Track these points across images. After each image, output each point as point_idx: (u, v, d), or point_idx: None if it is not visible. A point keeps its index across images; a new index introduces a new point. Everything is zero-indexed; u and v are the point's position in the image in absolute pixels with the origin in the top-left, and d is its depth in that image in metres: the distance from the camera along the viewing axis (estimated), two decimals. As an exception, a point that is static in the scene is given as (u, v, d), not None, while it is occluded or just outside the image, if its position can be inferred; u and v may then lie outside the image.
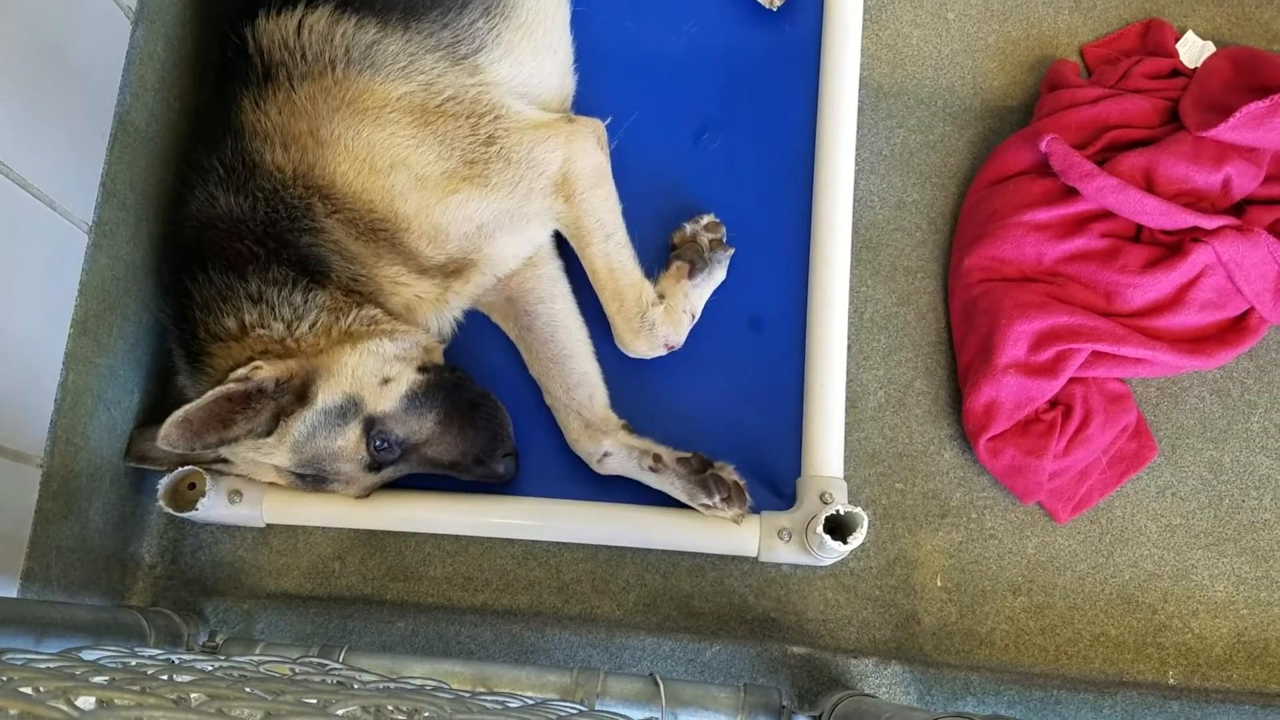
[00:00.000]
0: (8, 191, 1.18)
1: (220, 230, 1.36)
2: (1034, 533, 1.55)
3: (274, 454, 1.37)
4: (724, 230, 1.60)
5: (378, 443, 1.37)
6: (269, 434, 1.33)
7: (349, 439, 1.36)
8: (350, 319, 1.37)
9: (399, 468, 1.42)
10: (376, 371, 1.36)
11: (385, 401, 1.36)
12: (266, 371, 1.30)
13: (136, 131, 1.42)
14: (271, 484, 1.48)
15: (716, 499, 1.44)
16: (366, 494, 1.44)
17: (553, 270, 1.57)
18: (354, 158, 1.36)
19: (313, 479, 1.39)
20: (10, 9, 1.14)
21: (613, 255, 1.50)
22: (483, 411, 1.44)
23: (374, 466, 1.39)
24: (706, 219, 1.59)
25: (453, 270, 1.45)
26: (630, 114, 1.64)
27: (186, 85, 1.55)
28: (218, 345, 1.36)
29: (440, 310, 1.48)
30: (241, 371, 1.29)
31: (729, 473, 1.46)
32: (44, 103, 1.23)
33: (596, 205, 1.50)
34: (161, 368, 1.54)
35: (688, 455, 1.47)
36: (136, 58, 1.40)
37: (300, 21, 1.38)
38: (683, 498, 1.46)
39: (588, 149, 1.49)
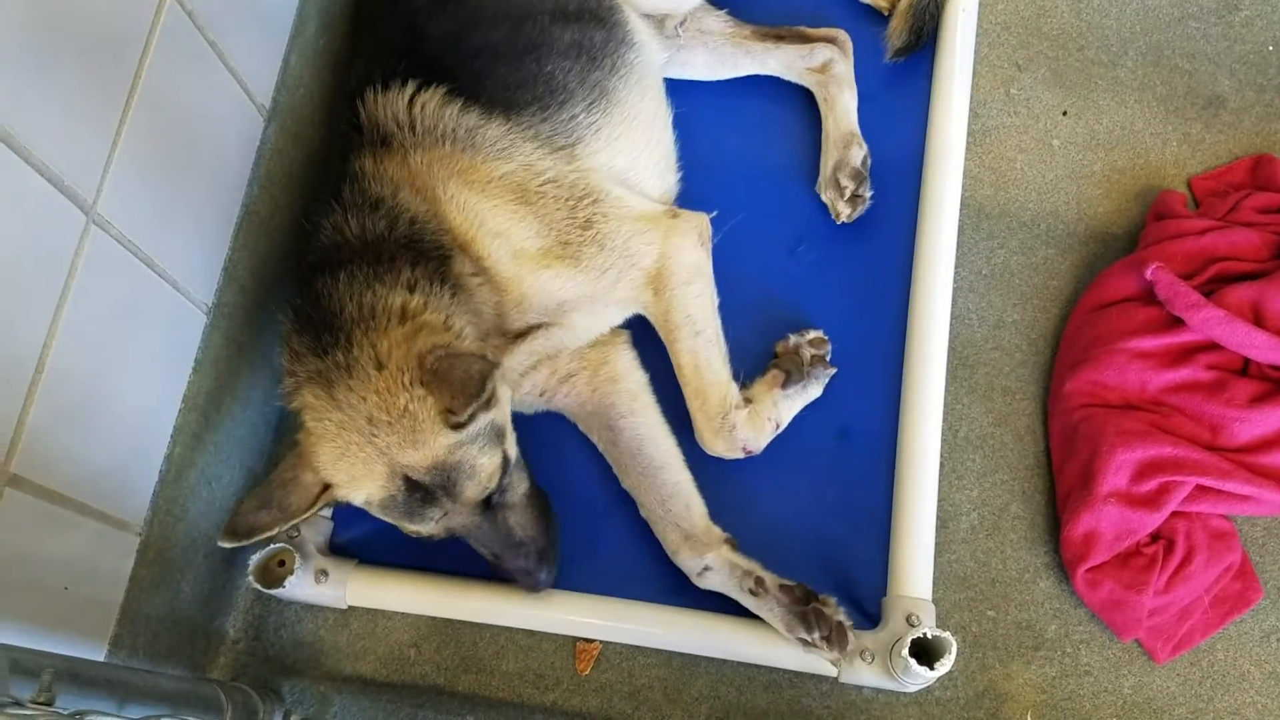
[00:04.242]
0: (136, 271, 1.24)
1: (354, 244, 1.36)
2: (1131, 671, 1.49)
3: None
4: (829, 348, 1.60)
5: (504, 479, 1.33)
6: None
7: (493, 461, 1.30)
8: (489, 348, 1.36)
9: (479, 527, 1.35)
10: (506, 414, 1.35)
11: (510, 447, 1.35)
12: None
13: (260, 221, 1.49)
14: (358, 567, 1.50)
15: (816, 636, 1.39)
16: (443, 536, 1.36)
17: (633, 384, 1.57)
18: (466, 218, 1.40)
19: (424, 495, 1.29)
20: (157, 100, 1.21)
21: (700, 352, 1.50)
22: (548, 506, 1.43)
23: (482, 506, 1.33)
24: (813, 334, 1.59)
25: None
26: (731, 218, 1.65)
27: (310, 180, 1.62)
28: (376, 323, 1.29)
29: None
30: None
31: (832, 609, 1.41)
32: (177, 188, 1.30)
33: (688, 301, 1.50)
34: (263, 447, 1.59)
35: (791, 584, 1.43)
36: (267, 152, 1.48)
37: (412, 98, 1.43)
38: (780, 627, 1.43)
39: (686, 245, 1.51)
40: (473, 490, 1.30)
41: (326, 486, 1.30)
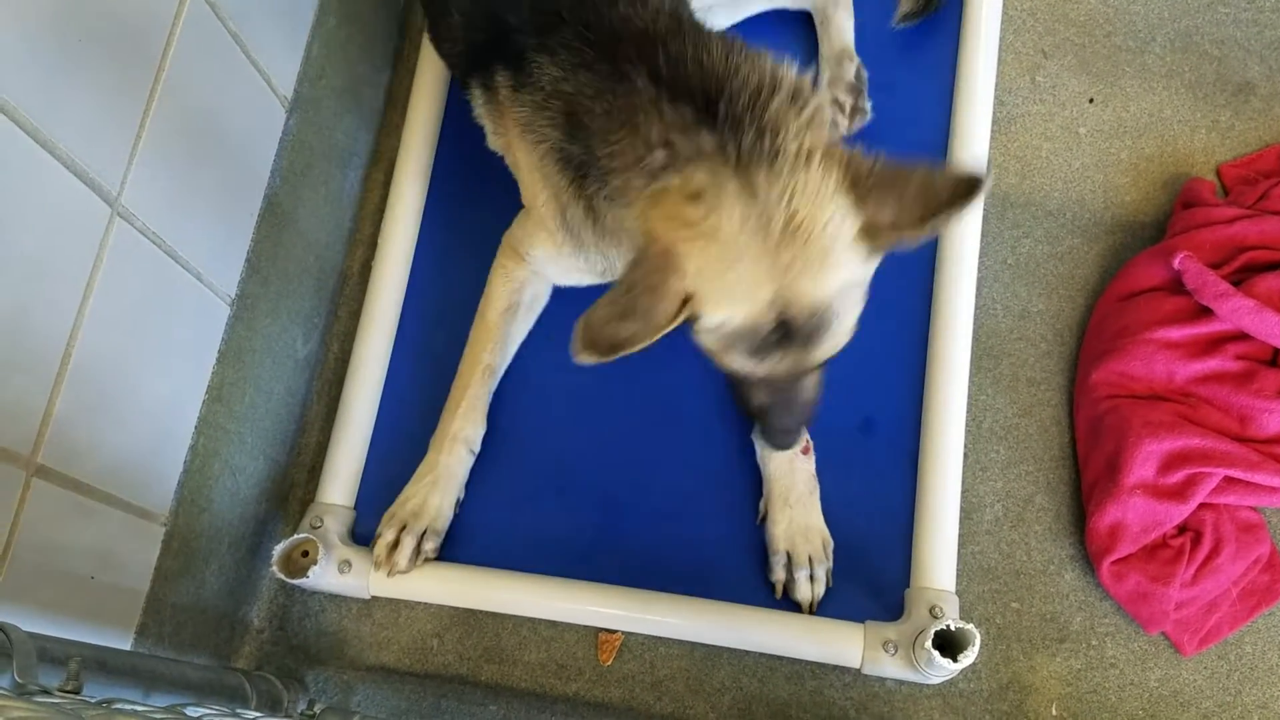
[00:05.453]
0: (160, 263, 1.24)
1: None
2: (1157, 664, 1.47)
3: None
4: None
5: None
6: None
7: (854, 319, 1.14)
8: None
9: (790, 382, 1.18)
10: None
11: None
12: None
13: (282, 212, 1.49)
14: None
15: None
16: (754, 379, 1.17)
17: None
18: None
19: (782, 337, 1.09)
20: (180, 92, 1.22)
21: None
22: None
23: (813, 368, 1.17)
24: None
25: None
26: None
27: (331, 172, 1.63)
28: (781, 104, 1.05)
29: None
30: None
31: None
32: (200, 180, 1.30)
33: None
34: (287, 438, 1.60)
35: None
36: (289, 144, 1.48)
37: None
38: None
39: None
40: (827, 350, 1.13)
41: (687, 299, 1.05)
